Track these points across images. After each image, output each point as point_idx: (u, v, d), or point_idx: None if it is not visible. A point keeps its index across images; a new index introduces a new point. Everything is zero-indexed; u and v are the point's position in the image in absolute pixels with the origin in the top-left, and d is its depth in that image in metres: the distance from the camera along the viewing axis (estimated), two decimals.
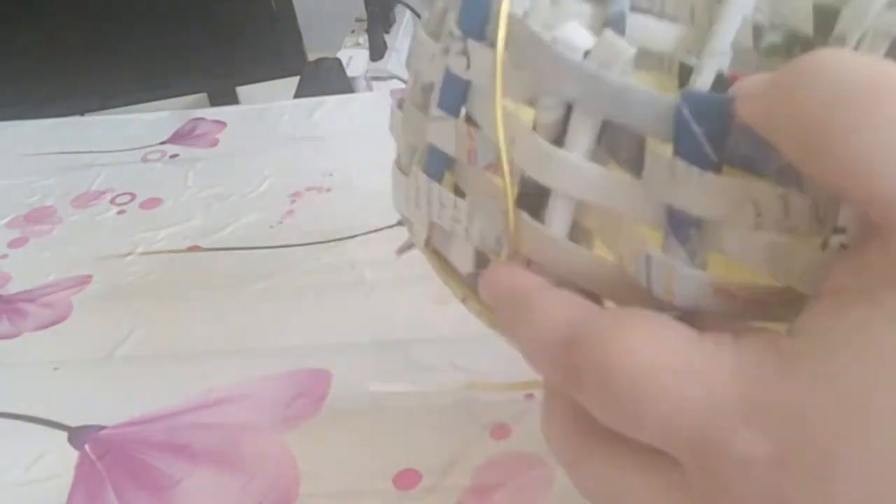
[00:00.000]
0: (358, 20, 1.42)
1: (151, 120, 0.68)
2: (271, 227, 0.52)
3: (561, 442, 0.23)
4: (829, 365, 0.18)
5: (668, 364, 0.19)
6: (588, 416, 0.21)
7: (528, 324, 0.22)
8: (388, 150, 0.30)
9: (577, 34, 0.21)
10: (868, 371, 0.17)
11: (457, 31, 0.24)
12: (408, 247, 0.30)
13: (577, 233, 0.23)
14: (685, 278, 0.21)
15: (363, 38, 1.38)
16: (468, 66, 0.24)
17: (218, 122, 0.65)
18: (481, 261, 0.26)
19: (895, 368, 0.17)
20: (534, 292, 0.23)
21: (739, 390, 0.19)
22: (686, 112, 0.19)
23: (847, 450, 0.17)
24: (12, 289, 0.50)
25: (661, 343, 0.20)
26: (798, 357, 0.18)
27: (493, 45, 0.22)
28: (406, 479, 0.34)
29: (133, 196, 0.58)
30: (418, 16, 1.44)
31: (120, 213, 0.57)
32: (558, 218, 0.23)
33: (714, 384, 0.19)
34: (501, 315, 0.24)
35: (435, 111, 0.25)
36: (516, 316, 0.23)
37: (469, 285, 0.27)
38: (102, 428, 0.39)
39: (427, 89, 0.26)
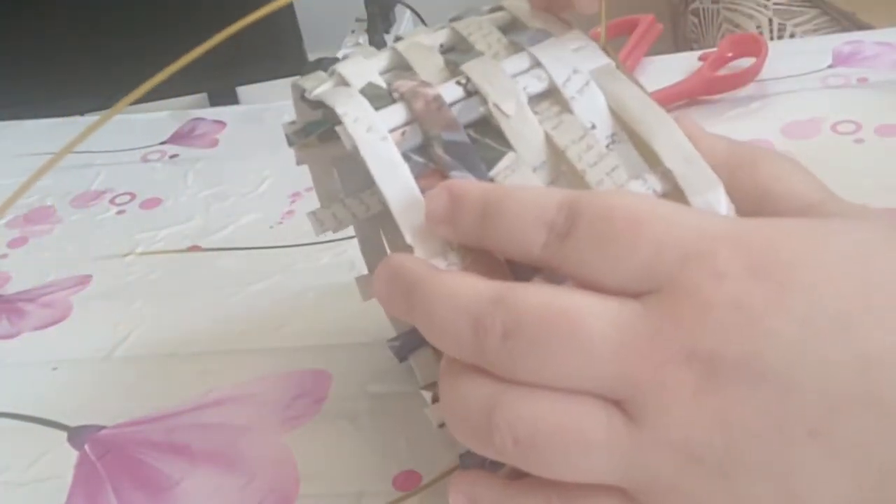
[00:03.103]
0: (358, 20, 1.42)
1: (151, 120, 0.68)
2: (271, 227, 0.52)
3: (474, 399, 0.24)
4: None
5: (663, 204, 0.24)
6: (493, 375, 0.24)
7: (441, 295, 0.25)
8: None
9: None
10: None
11: None
12: None
13: None
14: None
15: (363, 38, 1.38)
16: None
17: (218, 122, 0.65)
18: None
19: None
20: (430, 269, 0.26)
21: (725, 222, 0.24)
22: None
23: (812, 260, 0.23)
24: (12, 289, 0.50)
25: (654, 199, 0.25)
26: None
27: None
28: (406, 479, 0.34)
29: (133, 196, 0.58)
30: (418, 16, 1.44)
31: (120, 213, 0.57)
32: None
33: (706, 216, 0.24)
34: (401, 298, 0.26)
35: None
36: (424, 291, 0.25)
37: None
38: (102, 428, 0.39)
39: None
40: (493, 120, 0.28)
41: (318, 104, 0.30)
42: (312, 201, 0.54)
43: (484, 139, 0.28)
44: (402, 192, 0.27)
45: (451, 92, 0.28)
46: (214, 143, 0.63)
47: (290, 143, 0.35)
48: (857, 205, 0.26)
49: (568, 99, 0.28)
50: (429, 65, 0.30)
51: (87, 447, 0.38)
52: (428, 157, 0.28)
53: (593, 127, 0.27)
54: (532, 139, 0.27)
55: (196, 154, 0.62)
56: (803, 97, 0.55)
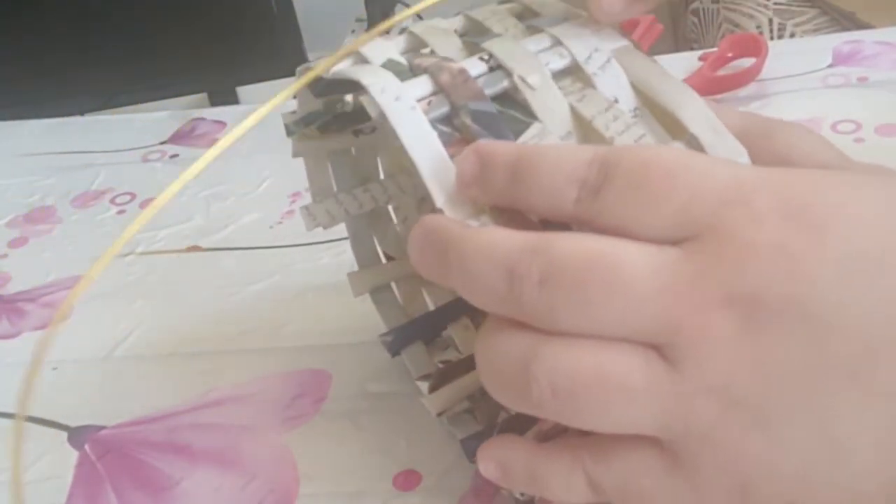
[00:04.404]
0: (358, 20, 1.42)
1: (151, 120, 0.68)
2: (271, 227, 0.52)
3: (511, 354, 0.24)
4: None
5: (697, 155, 0.25)
6: (530, 328, 0.24)
7: (476, 248, 0.24)
8: None
9: None
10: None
11: None
12: None
13: None
14: None
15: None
16: None
17: (218, 122, 0.65)
18: None
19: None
20: (464, 226, 0.25)
21: (759, 171, 0.24)
22: None
23: (846, 205, 0.23)
24: (12, 289, 0.50)
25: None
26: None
27: None
28: (406, 479, 0.34)
29: (133, 196, 0.58)
30: (418, 16, 1.44)
31: (120, 213, 0.57)
32: None
33: (739, 167, 0.24)
34: (435, 257, 0.25)
35: None
36: (459, 247, 0.25)
37: None
38: (102, 428, 0.39)
39: None
40: (517, 94, 0.28)
41: (322, 92, 0.30)
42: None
43: (509, 111, 0.28)
44: (433, 158, 0.27)
45: (474, 67, 0.29)
46: (214, 143, 0.63)
47: (289, 133, 0.35)
48: (875, 164, 0.26)
49: (590, 75, 0.28)
50: (448, 45, 0.30)
51: (87, 447, 0.38)
52: (454, 127, 0.28)
53: (616, 101, 0.28)
54: (558, 110, 0.28)
55: (196, 154, 0.62)
56: (803, 97, 0.55)
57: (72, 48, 0.95)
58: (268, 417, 0.38)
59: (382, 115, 0.27)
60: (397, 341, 0.38)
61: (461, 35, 0.32)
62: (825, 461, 0.22)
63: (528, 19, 0.31)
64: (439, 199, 0.26)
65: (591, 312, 0.23)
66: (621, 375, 0.23)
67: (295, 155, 0.38)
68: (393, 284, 0.41)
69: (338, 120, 0.29)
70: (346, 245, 0.41)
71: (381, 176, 0.40)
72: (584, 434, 0.25)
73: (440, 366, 0.37)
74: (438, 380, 0.34)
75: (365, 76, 0.28)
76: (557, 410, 0.24)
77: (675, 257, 0.23)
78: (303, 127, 0.34)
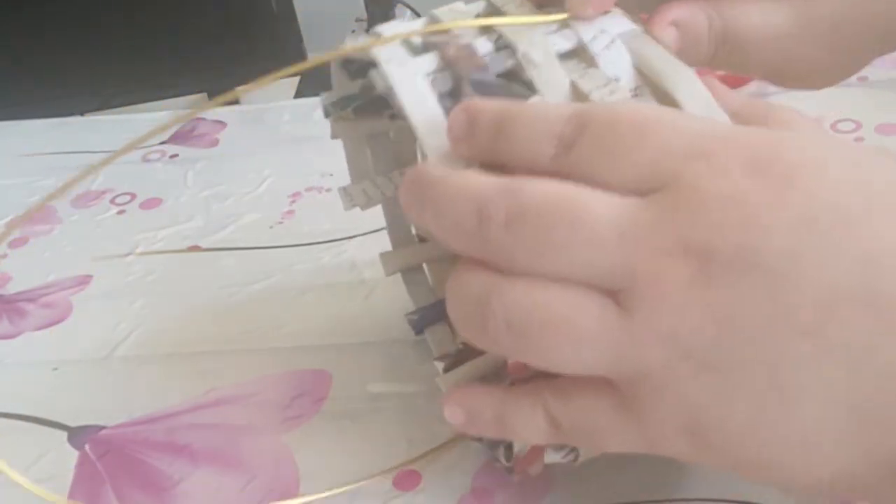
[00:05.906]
0: (358, 20, 1.42)
1: (151, 120, 0.68)
2: (271, 227, 0.52)
3: (474, 288, 0.25)
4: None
5: (670, 111, 0.26)
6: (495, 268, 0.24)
7: (451, 188, 0.25)
8: None
9: None
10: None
11: None
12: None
13: None
14: None
15: (363, 38, 1.38)
16: None
17: (218, 122, 0.65)
18: None
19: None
20: (446, 170, 0.26)
21: (730, 127, 0.25)
22: None
23: (812, 162, 0.23)
24: (12, 289, 0.50)
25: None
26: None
27: None
28: (406, 479, 0.34)
29: (133, 196, 0.58)
30: (419, 16, 1.44)
31: (120, 213, 0.57)
32: None
33: (712, 123, 0.25)
34: (415, 196, 0.26)
35: None
36: (436, 187, 0.26)
37: None
38: (102, 428, 0.39)
39: None
40: (522, 73, 0.29)
41: (358, 73, 0.31)
42: (312, 201, 0.54)
43: (511, 86, 0.29)
44: (429, 117, 0.27)
45: (482, 45, 0.29)
46: (214, 143, 0.63)
47: (327, 115, 0.36)
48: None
49: (594, 55, 0.29)
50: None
51: (87, 447, 0.38)
52: (457, 101, 0.28)
53: (617, 80, 0.28)
54: (558, 86, 0.28)
55: (196, 154, 0.62)
56: (803, 96, 0.55)
57: (72, 48, 0.95)
58: (268, 417, 0.38)
59: (389, 85, 0.28)
60: (422, 320, 0.39)
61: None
62: (773, 408, 0.22)
63: (546, 6, 0.32)
64: (431, 159, 0.27)
65: (552, 255, 0.23)
66: (574, 317, 0.23)
67: (333, 136, 0.38)
68: (424, 266, 0.41)
69: (374, 104, 0.30)
70: (347, 245, 0.41)
71: (420, 160, 0.41)
72: (549, 378, 0.26)
73: (461, 346, 0.38)
74: (455, 360, 0.35)
75: (376, 48, 0.30)
76: (511, 346, 0.24)
77: (637, 206, 0.23)
78: (339, 109, 0.35)
